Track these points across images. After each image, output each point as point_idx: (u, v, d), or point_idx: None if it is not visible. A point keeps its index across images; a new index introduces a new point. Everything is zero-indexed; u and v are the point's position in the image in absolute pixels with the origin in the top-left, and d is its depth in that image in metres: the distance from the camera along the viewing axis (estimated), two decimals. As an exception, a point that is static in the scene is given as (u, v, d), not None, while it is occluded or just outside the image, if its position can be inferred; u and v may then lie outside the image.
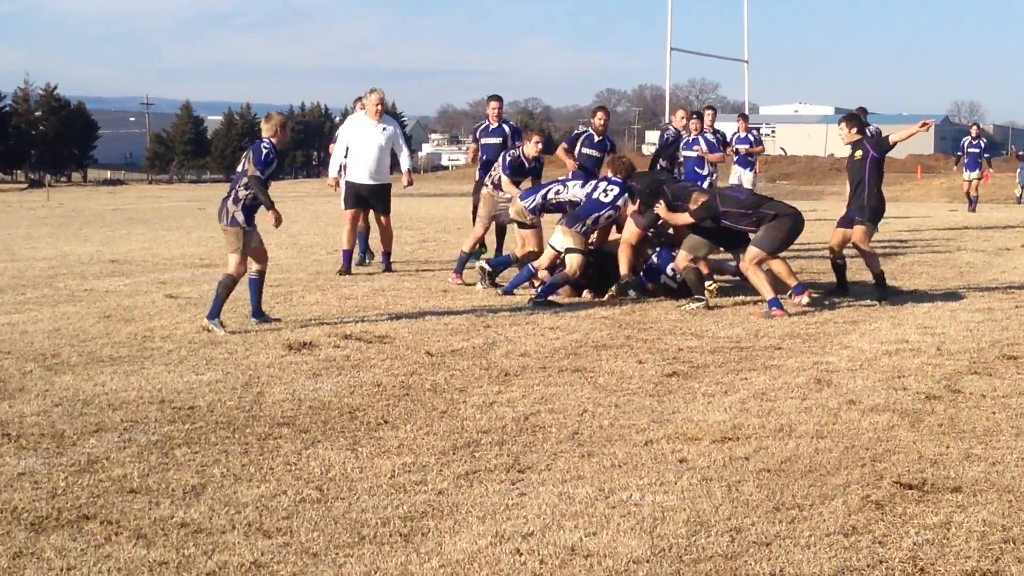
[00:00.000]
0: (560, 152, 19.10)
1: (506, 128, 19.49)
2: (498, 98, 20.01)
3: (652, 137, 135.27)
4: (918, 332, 12.74)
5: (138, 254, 21.84)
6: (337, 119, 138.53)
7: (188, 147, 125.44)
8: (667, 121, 30.05)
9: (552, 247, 15.84)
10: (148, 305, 14.72)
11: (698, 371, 10.73)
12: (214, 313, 12.65)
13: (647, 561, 5.94)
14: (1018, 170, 56.97)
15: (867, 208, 15.75)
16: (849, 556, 6.02)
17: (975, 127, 40.41)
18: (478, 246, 18.39)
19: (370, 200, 18.38)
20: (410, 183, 19.10)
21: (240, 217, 12.93)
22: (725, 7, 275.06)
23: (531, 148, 17.09)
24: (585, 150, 18.73)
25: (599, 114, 19.30)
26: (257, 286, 13.23)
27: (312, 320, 13.35)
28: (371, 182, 18.16)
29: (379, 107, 18.10)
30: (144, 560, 5.93)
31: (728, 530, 6.41)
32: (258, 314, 13.21)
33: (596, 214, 15.69)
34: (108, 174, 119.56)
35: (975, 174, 38.42)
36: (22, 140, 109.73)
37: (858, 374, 10.57)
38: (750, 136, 28.29)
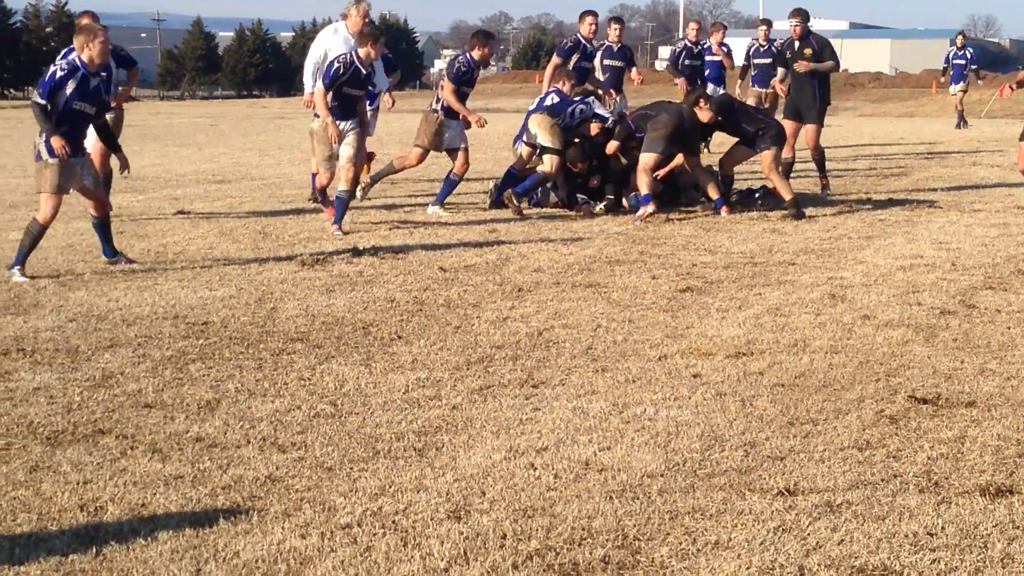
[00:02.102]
0: (549, 70, 17.93)
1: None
2: (619, 20, 19.77)
3: (665, 53, 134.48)
4: (932, 247, 12.70)
5: (150, 170, 21.79)
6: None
7: (199, 63, 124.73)
8: (682, 35, 29.94)
9: (526, 143, 15.74)
10: (161, 221, 14.71)
11: (712, 286, 10.71)
12: (18, 260, 11.03)
13: (661, 475, 5.95)
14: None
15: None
16: (863, 470, 6.02)
17: (960, 36, 38.32)
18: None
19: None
20: (392, 103, 17.82)
21: (42, 148, 10.98)
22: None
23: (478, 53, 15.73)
24: (607, 61, 18.65)
25: (614, 25, 19.16)
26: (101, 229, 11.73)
27: (324, 236, 13.32)
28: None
29: (366, 21, 16.28)
30: (160, 474, 5.95)
31: (742, 444, 6.42)
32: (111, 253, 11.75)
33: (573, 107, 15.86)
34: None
35: (960, 86, 36.59)
36: (33, 56, 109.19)
37: (872, 289, 10.54)
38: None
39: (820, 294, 10.32)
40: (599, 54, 18.71)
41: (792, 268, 11.61)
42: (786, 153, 16.74)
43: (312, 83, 16.47)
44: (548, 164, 15.48)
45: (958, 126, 36.28)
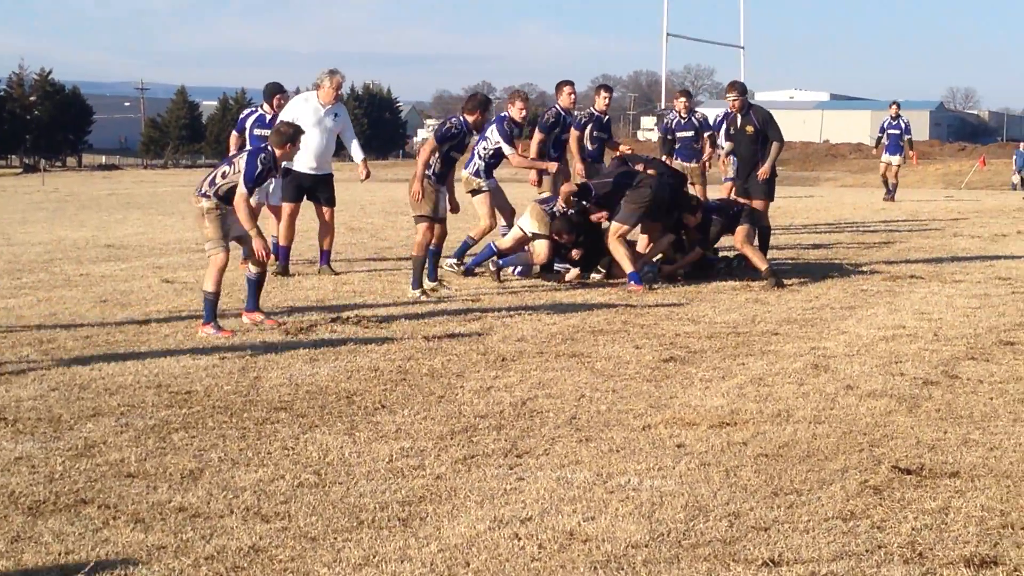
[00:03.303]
0: (573, 144, 18.15)
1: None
2: (609, 88, 19.43)
3: (647, 123, 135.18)
4: (915, 318, 12.74)
5: (134, 239, 21.81)
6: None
7: (183, 132, 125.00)
8: (664, 107, 29.84)
9: (521, 229, 15.83)
10: (144, 290, 14.70)
11: (695, 356, 10.73)
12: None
13: (645, 546, 5.93)
14: (1014, 157, 57.04)
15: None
16: (847, 541, 6.02)
17: (894, 106, 36.23)
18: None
19: (316, 191, 16.46)
20: (368, 174, 17.29)
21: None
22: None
23: (515, 112, 16.06)
24: (597, 132, 18.37)
25: (603, 93, 18.85)
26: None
27: (309, 305, 13.32)
28: (318, 172, 16.36)
29: (337, 92, 16.42)
30: (142, 544, 5.92)
31: (726, 515, 6.41)
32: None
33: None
34: (103, 159, 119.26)
35: (896, 158, 34.89)
36: (17, 125, 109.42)
37: (855, 359, 10.57)
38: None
39: (803, 364, 10.35)
40: (590, 125, 18.39)
41: (775, 338, 11.64)
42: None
43: None
44: (539, 252, 15.58)
45: (888, 198, 35.00)
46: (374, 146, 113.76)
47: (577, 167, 18.04)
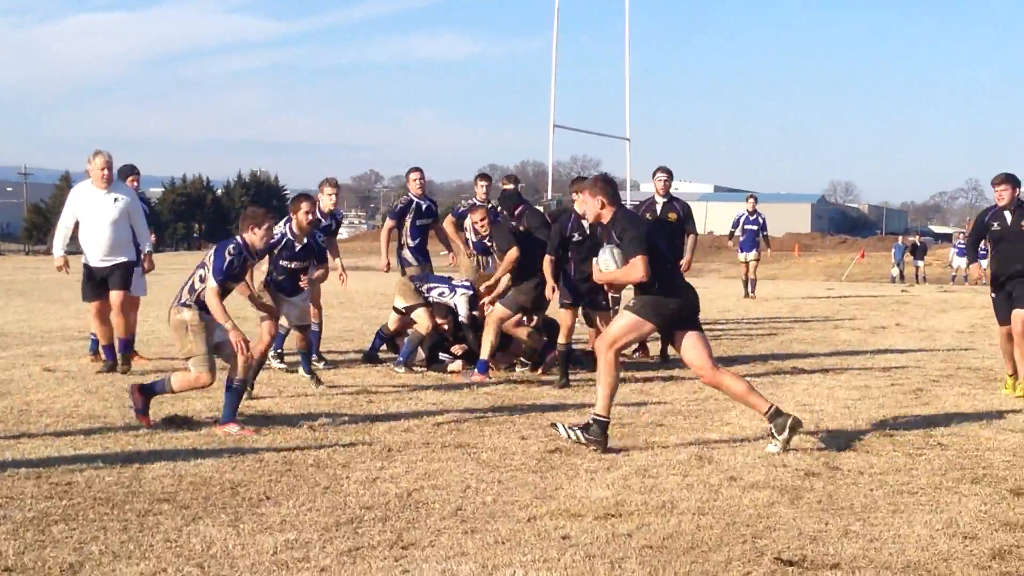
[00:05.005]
0: (449, 227, 18.34)
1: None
2: (487, 177, 19.19)
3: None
4: (797, 409, 12.87)
5: (15, 326, 21.51)
6: (219, 191, 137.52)
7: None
8: (551, 197, 29.84)
9: (395, 309, 15.94)
10: (25, 379, 14.50)
11: (580, 448, 10.76)
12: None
13: (531, 638, 5.93)
14: (892, 250, 58.11)
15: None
16: (731, 633, 6.05)
17: (751, 200, 35.88)
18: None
19: (108, 280, 15.49)
20: (150, 268, 16.49)
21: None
22: (607, 85, 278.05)
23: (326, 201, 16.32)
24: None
25: (481, 183, 18.71)
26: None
27: (192, 395, 13.18)
28: (108, 263, 15.44)
29: (104, 172, 15.31)
30: (20, 640, 5.82)
31: (611, 607, 6.42)
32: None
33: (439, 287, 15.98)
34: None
35: (752, 255, 34.28)
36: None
37: (739, 451, 10.67)
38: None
39: (687, 455, 10.42)
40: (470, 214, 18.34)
41: (660, 429, 11.72)
42: None
43: (60, 244, 15.72)
44: (420, 323, 15.62)
45: (747, 295, 33.99)
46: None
47: (464, 261, 18.16)
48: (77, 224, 15.58)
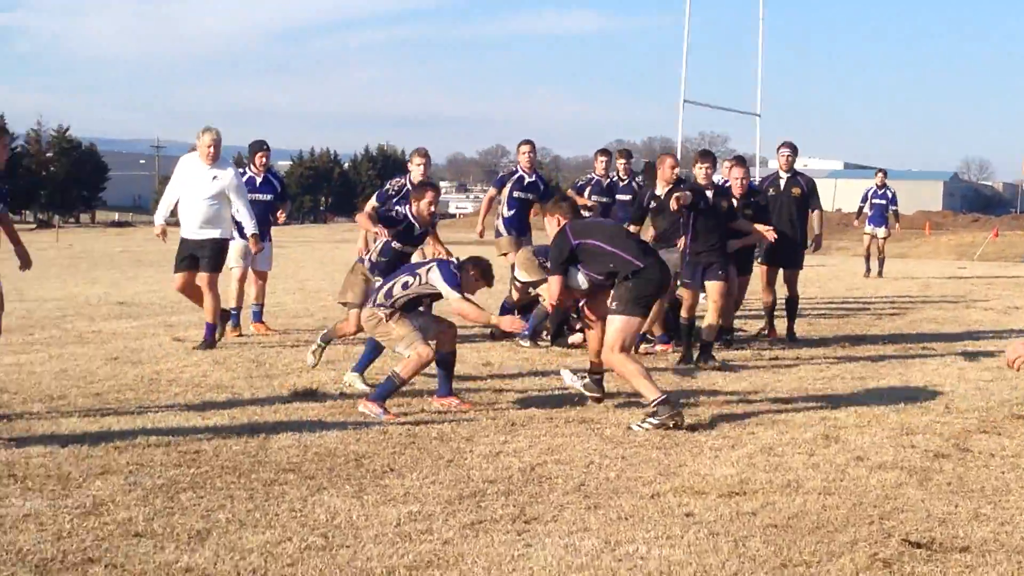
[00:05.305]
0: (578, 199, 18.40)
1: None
2: (607, 152, 18.95)
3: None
4: (926, 390, 12.70)
5: (145, 296, 21.86)
6: (347, 165, 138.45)
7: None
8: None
9: (515, 280, 15.80)
10: (155, 348, 14.72)
11: (704, 424, 10.69)
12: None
13: (653, 616, 5.90)
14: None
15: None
16: (856, 614, 5.97)
17: (880, 174, 34.56)
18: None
19: (198, 256, 15.27)
20: (259, 250, 16.01)
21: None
22: (738, 60, 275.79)
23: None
24: (595, 197, 18.29)
25: (601, 158, 18.71)
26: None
27: (318, 366, 13.30)
28: (200, 236, 15.24)
29: (211, 150, 15.20)
30: (148, 605, 5.89)
31: (735, 586, 6.37)
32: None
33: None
34: (116, 216, 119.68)
35: (881, 230, 33.09)
36: (32, 181, 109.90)
37: (866, 431, 10.53)
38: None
39: (813, 434, 10.30)
40: (588, 188, 18.30)
41: (785, 407, 11.59)
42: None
43: (162, 214, 15.69)
44: (551, 290, 15.55)
45: (869, 274, 32.89)
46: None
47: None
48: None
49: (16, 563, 6.47)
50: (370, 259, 13.00)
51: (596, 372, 11.77)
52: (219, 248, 15.27)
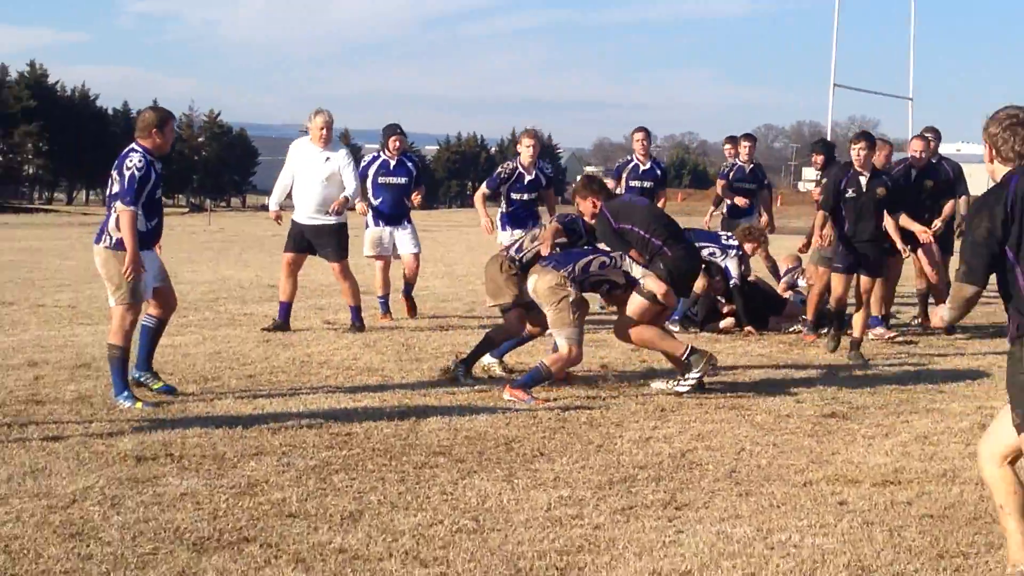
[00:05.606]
0: (719, 186, 18.53)
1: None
2: (751, 137, 18.82)
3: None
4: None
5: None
6: (493, 150, 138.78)
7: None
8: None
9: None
10: (306, 331, 14.89)
11: (857, 412, 10.55)
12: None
13: (807, 605, 5.83)
14: None
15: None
16: (1017, 608, 5.85)
17: None
18: None
19: (314, 243, 15.32)
20: (339, 209, 15.13)
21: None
22: (889, 43, 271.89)
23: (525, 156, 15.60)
24: (737, 183, 18.16)
25: (744, 143, 18.52)
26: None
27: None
28: (314, 222, 15.25)
29: (323, 132, 15.24)
30: (303, 585, 5.96)
31: (890, 576, 6.28)
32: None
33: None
34: (266, 200, 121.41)
35: None
36: (185, 165, 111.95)
37: (1024, 420, 10.29)
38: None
39: (970, 423, 10.11)
40: (731, 174, 18.29)
41: (940, 396, 11.39)
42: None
43: (277, 199, 15.89)
44: (696, 283, 15.42)
45: None
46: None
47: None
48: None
49: (174, 541, 6.59)
50: (510, 251, 12.01)
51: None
52: (337, 234, 15.26)
